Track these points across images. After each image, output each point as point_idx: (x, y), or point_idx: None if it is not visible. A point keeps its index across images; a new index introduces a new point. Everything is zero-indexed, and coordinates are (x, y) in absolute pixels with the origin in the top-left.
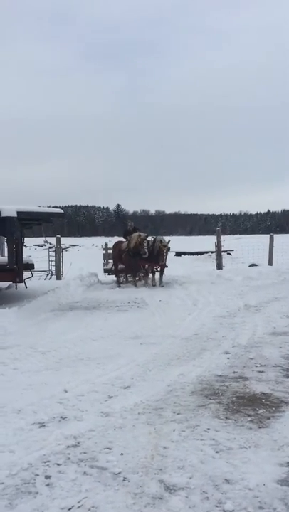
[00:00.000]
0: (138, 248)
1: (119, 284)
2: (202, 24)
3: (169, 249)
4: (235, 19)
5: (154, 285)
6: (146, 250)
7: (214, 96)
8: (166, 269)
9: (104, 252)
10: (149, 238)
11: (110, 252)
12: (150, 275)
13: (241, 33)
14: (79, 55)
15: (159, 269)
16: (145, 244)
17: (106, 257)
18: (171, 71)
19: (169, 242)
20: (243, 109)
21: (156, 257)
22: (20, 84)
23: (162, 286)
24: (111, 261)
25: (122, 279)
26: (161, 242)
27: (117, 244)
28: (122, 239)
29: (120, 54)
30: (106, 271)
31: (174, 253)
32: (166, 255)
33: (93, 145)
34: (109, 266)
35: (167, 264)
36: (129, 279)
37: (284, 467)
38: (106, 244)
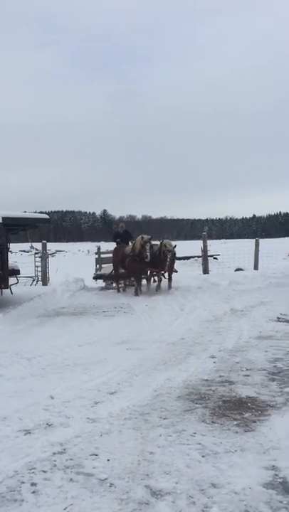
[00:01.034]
0: (141, 252)
1: (118, 289)
2: (194, 32)
3: (174, 254)
4: (227, 27)
5: (157, 290)
6: (148, 254)
7: (203, 102)
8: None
9: (96, 256)
10: (157, 242)
11: (104, 256)
12: (150, 281)
13: (231, 41)
14: (71, 62)
15: (167, 275)
16: (148, 247)
17: (99, 261)
18: (163, 78)
19: (175, 246)
20: (229, 115)
21: (162, 262)
22: (11, 91)
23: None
24: (105, 265)
25: (114, 284)
26: (165, 246)
27: (120, 248)
28: (124, 244)
29: (112, 61)
30: (97, 277)
31: None
32: (172, 261)
33: (80, 151)
34: (104, 271)
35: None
36: (132, 284)
37: (269, 470)
38: (99, 248)
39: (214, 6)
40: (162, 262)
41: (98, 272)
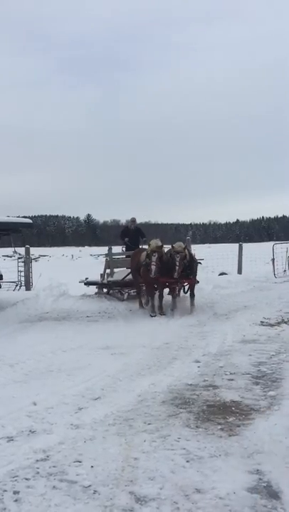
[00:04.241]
0: (150, 260)
1: (141, 303)
2: (176, 39)
3: (184, 257)
4: (209, 34)
5: (172, 309)
6: (154, 266)
7: (186, 109)
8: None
9: (107, 258)
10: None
11: (116, 258)
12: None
13: (214, 49)
14: (53, 69)
15: (186, 287)
16: (154, 258)
17: (111, 265)
18: (146, 85)
19: (185, 247)
20: (213, 122)
21: (172, 269)
22: None
23: (193, 307)
24: (117, 270)
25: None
26: (173, 247)
27: (137, 253)
28: (134, 244)
29: (94, 69)
30: (90, 283)
31: None
32: (185, 266)
33: (64, 156)
34: (116, 276)
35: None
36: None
37: (254, 475)
38: (110, 249)
39: (199, 14)
40: (172, 270)
41: (110, 278)
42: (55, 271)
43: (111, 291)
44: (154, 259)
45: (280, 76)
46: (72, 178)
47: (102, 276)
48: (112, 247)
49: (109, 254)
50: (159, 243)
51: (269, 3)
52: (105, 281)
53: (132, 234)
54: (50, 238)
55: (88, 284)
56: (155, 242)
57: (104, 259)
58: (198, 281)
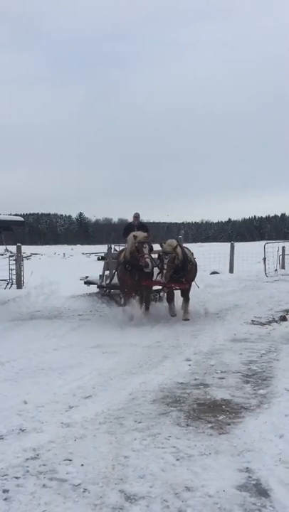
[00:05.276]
0: (135, 256)
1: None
2: (169, 37)
3: (173, 258)
4: (202, 33)
5: (172, 315)
6: (148, 260)
7: (178, 107)
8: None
9: (106, 259)
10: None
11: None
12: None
13: (207, 46)
14: (45, 66)
15: (180, 290)
16: (146, 250)
17: (110, 266)
18: (139, 84)
19: (176, 247)
20: (206, 119)
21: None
22: None
23: (187, 320)
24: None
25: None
26: (161, 246)
27: (121, 252)
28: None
29: (87, 66)
30: (89, 282)
31: None
32: (170, 268)
33: (56, 153)
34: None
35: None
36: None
37: (243, 473)
38: (109, 248)
39: (197, 13)
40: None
41: (108, 281)
42: (46, 269)
43: (111, 293)
44: (145, 250)
45: (273, 75)
46: (65, 176)
47: (101, 277)
48: (105, 245)
49: (108, 254)
50: (146, 235)
51: (265, 2)
52: (104, 283)
53: (135, 231)
54: (42, 236)
55: (88, 283)
56: (142, 234)
57: (97, 257)
58: (188, 286)
